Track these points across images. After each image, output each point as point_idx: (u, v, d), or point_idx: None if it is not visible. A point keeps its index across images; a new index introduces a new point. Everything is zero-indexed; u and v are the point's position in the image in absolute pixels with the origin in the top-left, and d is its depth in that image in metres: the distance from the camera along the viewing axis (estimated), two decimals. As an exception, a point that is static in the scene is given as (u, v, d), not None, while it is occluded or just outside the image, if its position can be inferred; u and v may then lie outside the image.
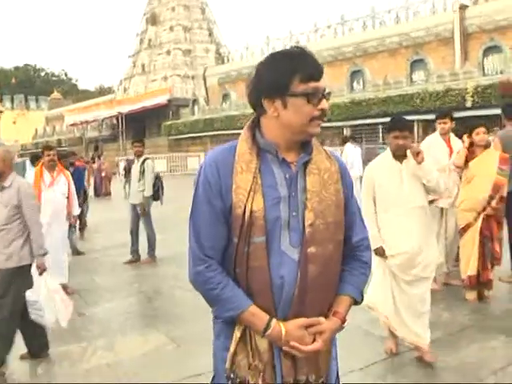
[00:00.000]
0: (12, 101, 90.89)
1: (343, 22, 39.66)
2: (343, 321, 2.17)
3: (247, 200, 2.05)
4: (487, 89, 25.10)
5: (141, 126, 51.38)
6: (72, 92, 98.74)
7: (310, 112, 2.06)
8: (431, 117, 23.98)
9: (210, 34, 56.11)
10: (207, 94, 50.11)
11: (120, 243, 10.31)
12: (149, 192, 9.76)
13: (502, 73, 26.82)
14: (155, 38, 56.07)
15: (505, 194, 6.46)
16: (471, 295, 6.56)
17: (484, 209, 6.36)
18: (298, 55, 2.09)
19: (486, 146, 6.56)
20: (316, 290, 2.10)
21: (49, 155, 7.82)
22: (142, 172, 9.78)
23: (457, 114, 23.73)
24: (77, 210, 8.61)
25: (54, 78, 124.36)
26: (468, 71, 28.10)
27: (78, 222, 10.92)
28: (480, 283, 6.49)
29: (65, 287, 6.87)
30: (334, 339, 2.26)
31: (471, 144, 6.58)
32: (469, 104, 25.12)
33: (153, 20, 56.68)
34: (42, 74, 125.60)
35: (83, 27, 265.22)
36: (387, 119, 19.64)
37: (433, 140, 7.33)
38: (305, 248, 2.08)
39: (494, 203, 6.33)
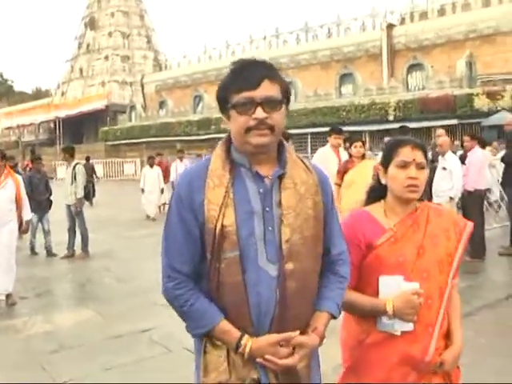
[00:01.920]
0: None
1: (278, 34, 40.95)
2: (322, 337, 2.15)
3: (218, 215, 2.04)
4: (408, 103, 26.70)
5: (78, 130, 51.40)
6: (7, 94, 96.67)
7: (243, 122, 2.02)
8: (356, 128, 25.73)
9: (149, 41, 56.63)
10: (144, 100, 50.68)
11: (58, 241, 11.03)
12: (80, 194, 10.59)
13: (423, 89, 28.59)
14: (94, 42, 56.23)
15: None
16: None
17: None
18: (236, 69, 2.10)
19: (363, 156, 7.73)
20: (296, 306, 2.08)
21: None
22: (74, 176, 10.67)
23: (380, 127, 25.41)
24: (28, 215, 7.93)
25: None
26: (393, 86, 29.76)
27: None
28: None
29: (8, 296, 7.27)
30: (316, 354, 2.26)
31: (350, 155, 7.78)
32: (391, 117, 26.64)
33: (91, 25, 56.80)
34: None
35: (20, 28, 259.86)
36: (315, 129, 21.09)
37: (326, 151, 8.46)
38: (283, 264, 2.04)
39: None
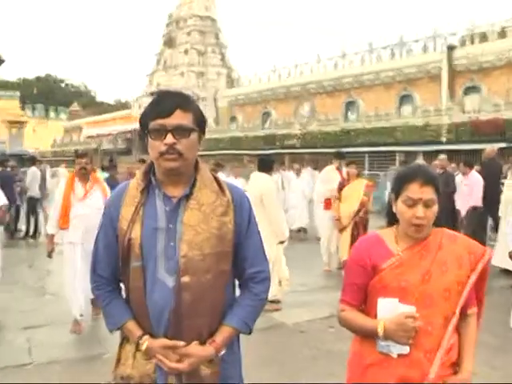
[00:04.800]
0: (33, 110, 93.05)
1: (344, 54, 42.01)
2: (218, 350, 2.25)
3: (127, 229, 2.23)
4: (461, 126, 27.38)
5: None
6: (90, 104, 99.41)
7: (156, 147, 2.19)
8: (410, 149, 26.83)
9: (222, 59, 58.23)
10: (217, 115, 52.16)
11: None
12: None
13: (479, 111, 28.92)
14: (171, 59, 58.34)
15: (370, 208, 9.89)
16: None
17: (354, 217, 9.57)
18: (156, 98, 2.29)
19: (358, 175, 9.92)
20: (192, 316, 2.21)
21: (80, 163, 6.70)
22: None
23: (433, 147, 26.36)
24: None
25: (73, 90, 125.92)
26: (450, 108, 30.12)
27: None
28: None
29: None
30: (233, 361, 2.40)
31: (348, 173, 9.96)
32: (443, 139, 27.50)
33: (169, 43, 58.95)
34: (62, 84, 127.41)
35: (103, 42, 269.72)
36: (373, 149, 22.73)
37: (329, 170, 11.02)
38: (179, 277, 2.18)
39: (361, 213, 9.58)
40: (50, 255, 6.83)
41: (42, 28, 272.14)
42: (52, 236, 6.81)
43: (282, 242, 7.77)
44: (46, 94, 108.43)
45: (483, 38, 34.02)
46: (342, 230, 9.83)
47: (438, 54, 34.83)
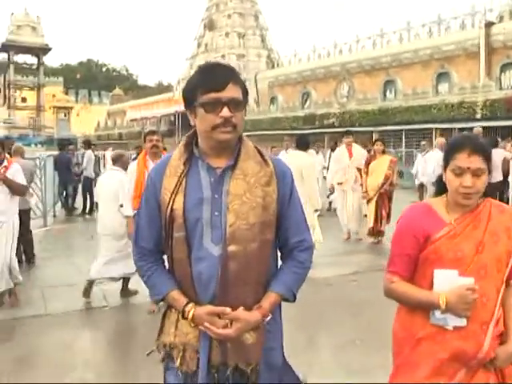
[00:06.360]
0: (76, 95, 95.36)
1: (382, 34, 42.07)
2: (265, 315, 2.28)
3: (170, 200, 2.26)
4: (495, 103, 27.67)
5: None
6: (132, 87, 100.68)
7: (211, 120, 2.20)
8: (446, 126, 27.41)
9: (263, 40, 58.65)
10: (258, 96, 52.54)
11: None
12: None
13: None
14: (211, 42, 59.06)
15: (395, 181, 11.02)
16: (371, 239, 11.07)
17: (379, 190, 10.73)
18: (204, 70, 2.29)
19: (383, 152, 10.98)
20: (238, 284, 2.24)
21: (151, 140, 6.74)
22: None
23: (468, 125, 26.83)
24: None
25: (114, 74, 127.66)
26: (486, 85, 30.48)
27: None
28: (376, 232, 10.90)
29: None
30: (275, 332, 2.42)
31: (374, 151, 11.06)
32: (478, 116, 27.81)
33: (210, 26, 59.60)
34: (104, 69, 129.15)
35: (144, 26, 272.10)
36: (410, 127, 23.68)
37: (341, 149, 11.87)
38: (225, 246, 2.21)
39: (386, 186, 10.72)
40: (129, 237, 6.51)
41: (82, 13, 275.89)
42: (131, 219, 6.68)
43: (316, 211, 8.96)
44: (88, 79, 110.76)
45: (521, 14, 33.68)
46: (368, 201, 11.01)
47: (475, 31, 34.47)
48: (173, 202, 2.26)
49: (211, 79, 2.21)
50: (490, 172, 2.46)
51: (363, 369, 4.95)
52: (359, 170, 11.11)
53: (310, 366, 4.79)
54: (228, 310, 2.20)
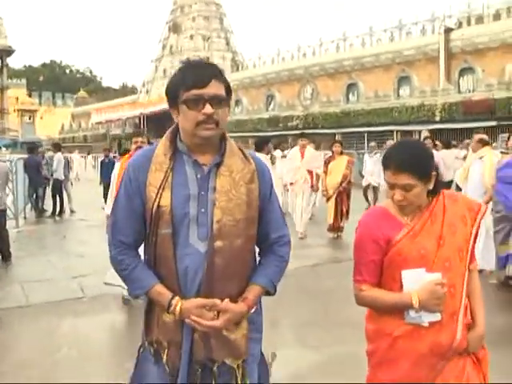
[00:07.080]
0: (40, 97, 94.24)
1: (345, 38, 42.58)
2: (250, 306, 2.31)
3: (156, 196, 2.22)
4: (453, 106, 28.62)
5: (161, 126, 53.85)
6: (96, 90, 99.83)
7: (193, 117, 2.19)
8: (407, 128, 28.16)
9: (227, 43, 59.03)
10: None
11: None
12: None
13: (473, 91, 30.40)
14: (176, 45, 59.19)
15: (352, 179, 11.64)
16: (331, 234, 11.68)
17: (337, 188, 11.37)
18: (185, 68, 2.28)
19: (341, 153, 11.69)
20: (223, 279, 2.25)
21: (136, 142, 6.62)
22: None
23: (428, 127, 27.63)
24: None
25: (78, 75, 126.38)
26: (445, 89, 31.49)
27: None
28: (335, 228, 11.53)
29: None
30: (258, 323, 2.45)
31: (333, 152, 11.71)
32: (437, 118, 28.71)
33: (175, 28, 59.82)
34: (68, 71, 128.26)
35: (108, 28, 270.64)
36: (372, 129, 24.32)
37: (294, 150, 12.29)
38: (212, 242, 2.21)
39: (344, 184, 11.38)
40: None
41: (45, 14, 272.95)
42: None
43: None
44: (51, 81, 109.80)
45: (479, 20, 34.68)
46: (328, 198, 11.67)
47: (435, 36, 35.33)
48: (160, 198, 2.23)
49: (194, 76, 2.21)
50: (438, 174, 2.51)
51: (321, 344, 5.39)
52: (310, 172, 11.54)
53: (270, 343, 5.13)
54: (218, 301, 2.21)
